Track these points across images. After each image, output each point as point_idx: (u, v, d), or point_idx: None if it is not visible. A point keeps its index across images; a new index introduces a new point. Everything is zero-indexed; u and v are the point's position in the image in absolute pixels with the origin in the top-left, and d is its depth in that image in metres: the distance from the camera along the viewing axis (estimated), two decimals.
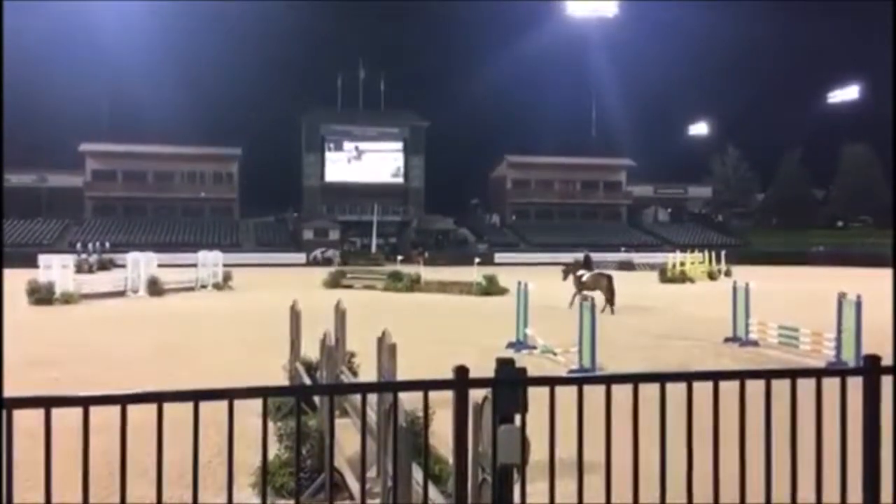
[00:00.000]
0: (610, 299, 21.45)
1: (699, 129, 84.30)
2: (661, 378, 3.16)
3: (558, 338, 13.78)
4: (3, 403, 2.55)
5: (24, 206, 64.29)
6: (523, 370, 3.04)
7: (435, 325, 18.30)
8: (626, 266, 50.56)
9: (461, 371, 2.94)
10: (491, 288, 27.79)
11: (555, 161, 75.40)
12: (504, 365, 3.04)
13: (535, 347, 13.65)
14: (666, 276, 37.42)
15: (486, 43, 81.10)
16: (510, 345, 14.06)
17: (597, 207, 77.99)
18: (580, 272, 23.92)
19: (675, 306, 23.72)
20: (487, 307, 23.16)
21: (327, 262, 56.07)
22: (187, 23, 68.47)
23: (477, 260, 32.00)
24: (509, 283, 24.69)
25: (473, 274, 28.76)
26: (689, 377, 3.18)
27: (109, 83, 67.93)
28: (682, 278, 37.02)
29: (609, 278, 22.30)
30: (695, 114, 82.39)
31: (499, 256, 60.73)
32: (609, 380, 3.20)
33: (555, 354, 12.93)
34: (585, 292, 21.31)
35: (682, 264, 39.24)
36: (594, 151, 77.05)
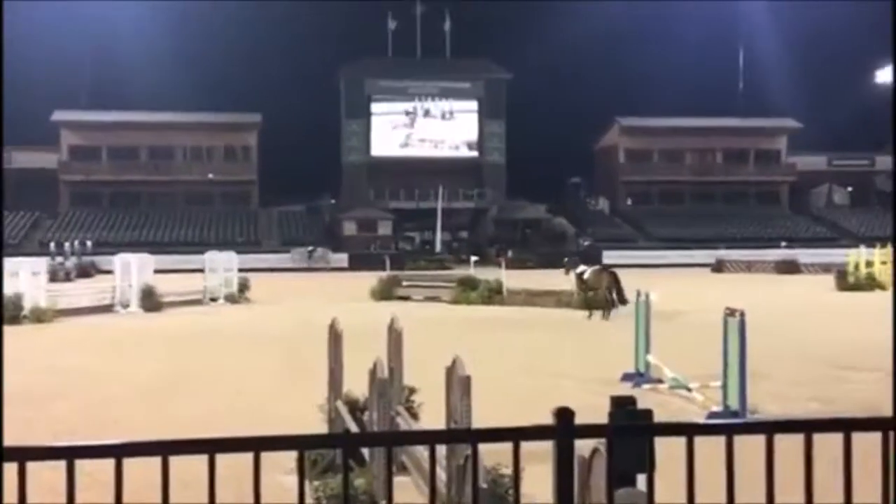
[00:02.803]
0: (613, 300, 23.36)
1: (889, 75, 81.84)
2: (847, 426, 3.09)
3: (692, 367, 13.58)
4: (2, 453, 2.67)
5: None
6: (648, 413, 3.01)
7: (522, 350, 18.26)
8: (789, 268, 49.51)
9: (564, 414, 2.93)
10: (599, 300, 27.50)
11: (686, 124, 74.44)
12: (622, 406, 3.02)
13: (660, 381, 13.52)
14: (846, 282, 36.70)
15: None
16: (626, 377, 13.97)
17: (746, 186, 76.68)
18: (581, 268, 25.96)
19: (852, 321, 23.09)
20: (593, 326, 22.99)
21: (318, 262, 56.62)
22: None
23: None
24: (625, 291, 24.38)
25: (573, 280, 28.56)
26: (889, 425, 3.10)
27: (90, 35, 69.96)
28: (871, 284, 36.12)
29: (613, 274, 23.94)
30: (883, 55, 79.99)
31: (609, 255, 59.89)
32: (772, 427, 3.14)
33: (689, 390, 12.77)
34: (590, 293, 24.57)
35: (870, 264, 38.24)
36: (741, 110, 75.78)
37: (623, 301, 23.25)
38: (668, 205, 74.84)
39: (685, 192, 76.41)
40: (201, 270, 32.63)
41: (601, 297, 24.82)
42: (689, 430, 3.05)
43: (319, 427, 9.47)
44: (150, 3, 67.71)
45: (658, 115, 74.38)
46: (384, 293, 32.03)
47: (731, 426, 3.19)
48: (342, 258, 60.52)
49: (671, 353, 14.51)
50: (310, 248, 59.47)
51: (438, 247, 65.53)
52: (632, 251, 63.06)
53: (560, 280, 30.97)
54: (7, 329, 22.78)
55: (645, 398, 12.15)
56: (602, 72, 77.93)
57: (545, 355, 17.59)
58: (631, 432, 2.98)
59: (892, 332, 12.96)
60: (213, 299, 30.93)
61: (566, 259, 26.55)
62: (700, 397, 12.35)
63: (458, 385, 6.15)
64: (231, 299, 31.19)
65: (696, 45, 73.53)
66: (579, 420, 3.00)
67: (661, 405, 11.89)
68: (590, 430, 2.97)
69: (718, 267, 53.26)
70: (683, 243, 63.00)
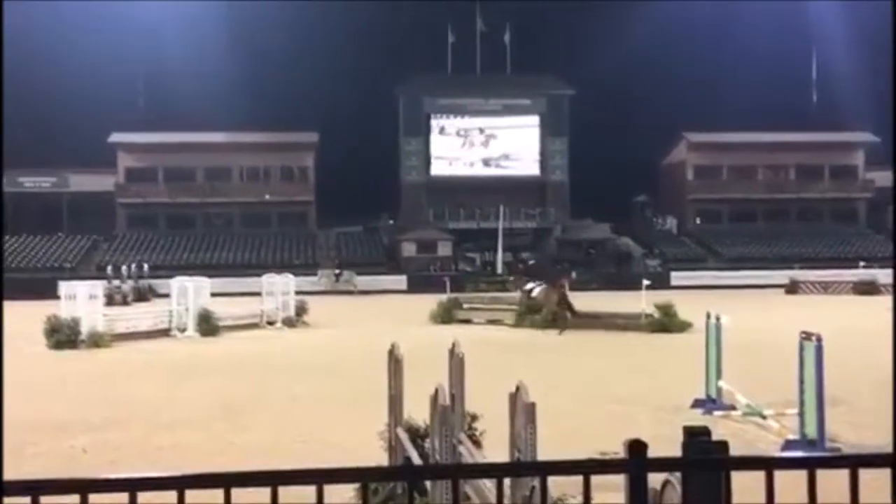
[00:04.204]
0: (563, 314, 24.76)
1: None
2: None
3: (766, 393, 13.42)
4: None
5: (40, 219, 68.35)
6: (724, 445, 2.97)
7: (588, 374, 18.18)
8: (868, 288, 48.60)
9: (637, 447, 2.90)
10: (667, 322, 27.33)
11: (757, 139, 73.57)
12: (695, 437, 2.98)
13: (733, 407, 13.38)
14: None
15: None
16: (697, 403, 13.85)
17: (821, 204, 75.43)
18: (529, 285, 27.42)
19: None
20: (662, 349, 22.80)
21: (345, 286, 56.66)
22: None
23: (646, 282, 31.43)
24: (693, 314, 24.14)
25: (641, 302, 28.36)
26: None
27: (146, 57, 71.41)
28: None
29: (562, 292, 25.06)
30: None
31: (677, 276, 59.66)
32: (856, 462, 3.07)
33: (763, 418, 12.62)
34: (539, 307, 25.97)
35: None
36: (816, 124, 74.62)
37: (573, 313, 25.65)
38: (738, 223, 73.89)
39: (757, 209, 75.40)
40: (258, 294, 32.97)
41: (550, 312, 26.52)
42: (767, 464, 3.00)
43: (379, 454, 9.49)
44: (207, 24, 68.88)
45: (727, 130, 73.57)
46: (444, 316, 32.03)
47: (812, 460, 3.12)
48: (401, 280, 60.71)
49: (744, 379, 14.35)
50: (336, 271, 59.68)
51: (500, 268, 65.36)
52: (701, 272, 62.39)
53: (626, 302, 30.76)
54: (64, 353, 23.32)
55: (718, 426, 12.01)
56: (668, 86, 77.37)
57: (612, 380, 17.48)
58: (706, 466, 2.94)
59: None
60: (271, 323, 31.19)
61: (512, 278, 27.57)
62: (776, 425, 12.18)
63: (522, 412, 6.13)
64: (288, 323, 31.41)
65: (767, 56, 72.73)
66: (650, 449, 2.97)
67: (735, 433, 11.74)
68: (663, 464, 2.94)
69: (792, 288, 52.39)
70: (755, 263, 62.21)
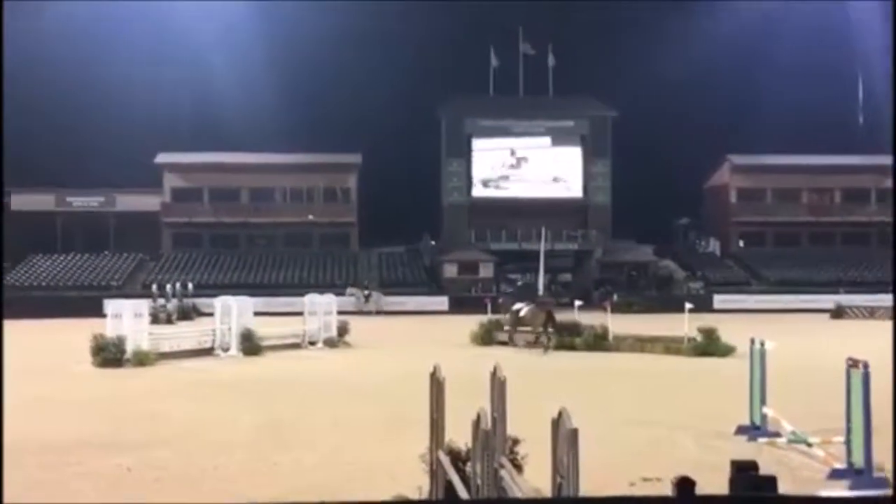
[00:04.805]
0: (549, 336, 26.08)
1: None
2: None
3: (812, 420, 13.26)
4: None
5: (88, 238, 69.43)
6: (772, 481, 2.93)
7: (631, 399, 18.07)
8: None
9: (685, 485, 2.86)
10: (710, 346, 27.11)
11: (802, 161, 72.98)
12: (743, 472, 2.94)
13: (778, 434, 13.20)
14: None
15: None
16: (741, 430, 13.70)
17: (867, 227, 74.45)
18: (517, 306, 28.39)
19: None
20: (705, 374, 22.59)
21: (372, 306, 56.61)
22: (287, 7, 71.88)
23: (688, 305, 31.19)
24: (737, 338, 24.01)
25: (684, 325, 28.16)
26: None
27: (194, 78, 72.45)
28: None
29: (549, 312, 26.26)
30: None
31: (720, 300, 59.28)
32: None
33: (809, 445, 12.44)
34: (522, 328, 27.64)
35: None
36: (862, 146, 73.84)
37: (560, 334, 27.59)
38: (782, 247, 73.19)
39: (801, 233, 74.65)
40: (300, 313, 33.13)
41: (536, 333, 27.87)
42: None
43: (421, 477, 9.49)
44: (253, 46, 69.75)
45: (771, 153, 73.11)
46: (485, 338, 32.00)
47: (869, 501, 3.07)
48: (442, 301, 60.78)
49: (789, 405, 14.18)
50: (365, 291, 59.77)
51: (541, 289, 65.14)
52: (744, 295, 62.00)
53: (669, 325, 30.54)
54: (109, 372, 23.57)
55: (762, 453, 11.89)
56: (712, 107, 76.96)
57: (655, 405, 17.34)
58: None
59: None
60: (312, 343, 31.31)
61: (500, 299, 29.11)
62: (821, 453, 12.00)
63: (564, 438, 6.08)
64: (330, 343, 31.49)
65: (812, 77, 72.13)
66: (693, 474, 2.93)
67: (780, 461, 11.61)
68: (711, 503, 2.90)
69: (838, 313, 51.69)
70: (800, 287, 61.53)
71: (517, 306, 28.26)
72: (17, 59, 64.37)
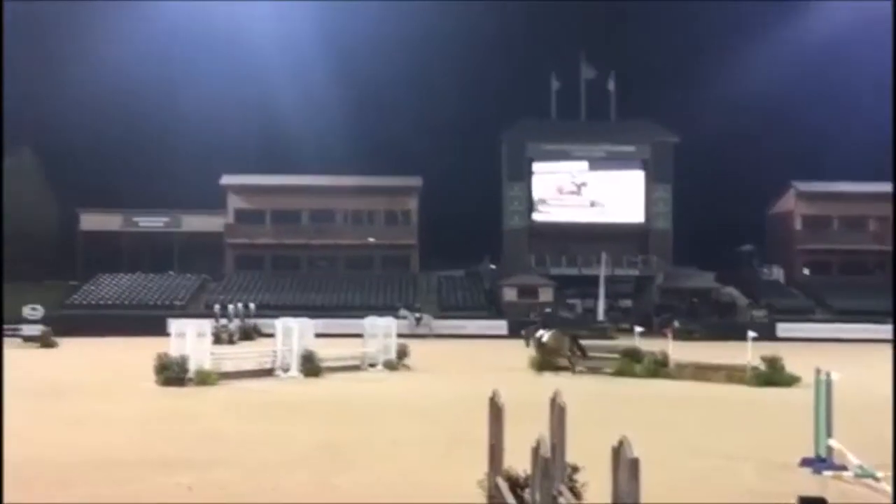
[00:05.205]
0: (574, 359, 27.23)
1: None
2: None
3: (879, 453, 13.00)
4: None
5: (153, 257, 70.60)
6: None
7: (692, 427, 17.87)
8: None
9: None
10: (774, 376, 26.64)
11: (868, 189, 71.71)
12: None
13: (844, 468, 12.93)
14: None
15: (755, 23, 79.27)
16: (806, 462, 13.41)
17: None
18: (540, 332, 29.67)
19: None
20: (769, 404, 22.23)
21: (423, 329, 56.54)
22: (349, 28, 72.94)
23: (752, 334, 30.71)
24: (802, 368, 23.59)
25: (747, 354, 27.75)
26: None
27: (259, 102, 73.64)
28: None
29: (573, 337, 27.41)
30: None
31: (783, 328, 58.34)
32: None
33: (877, 480, 12.18)
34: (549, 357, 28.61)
35: None
36: None
37: (585, 356, 28.93)
38: (849, 275, 71.84)
39: (868, 261, 73.28)
40: (359, 335, 33.25)
41: (563, 357, 29.02)
42: None
43: (479, 500, 9.46)
44: (315, 70, 70.74)
45: (838, 179, 72.04)
46: (545, 363, 31.85)
47: None
48: (501, 325, 60.65)
49: (856, 438, 13.88)
50: (417, 315, 59.76)
51: (601, 315, 64.77)
52: (809, 324, 60.94)
53: (731, 353, 30.16)
54: (172, 390, 23.87)
55: (828, 487, 11.68)
56: (776, 133, 76.25)
57: (717, 434, 17.11)
58: None
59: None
60: (372, 365, 31.35)
61: (523, 331, 30.47)
62: (888, 488, 11.75)
63: (625, 467, 6.04)
64: (390, 366, 31.52)
65: (878, 103, 71.00)
66: None
67: (846, 495, 11.41)
68: None
69: None
70: (866, 317, 60.27)
71: (539, 333, 29.48)
72: (91, 85, 66.26)
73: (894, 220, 68.10)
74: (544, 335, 28.91)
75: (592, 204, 74.21)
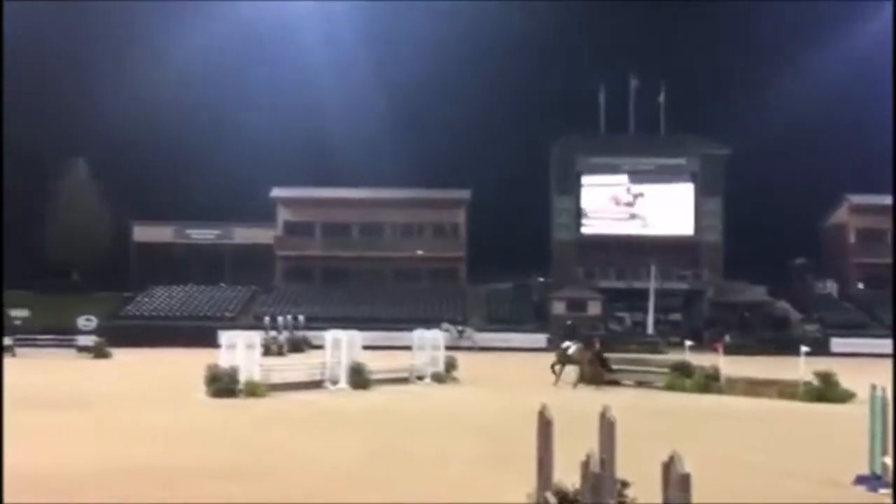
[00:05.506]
0: (597, 372, 28.23)
1: None
2: None
3: None
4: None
5: (204, 269, 71.36)
6: None
7: (743, 443, 17.63)
8: None
9: None
10: (827, 391, 26.22)
11: None
12: None
13: None
14: None
15: (807, 33, 78.37)
16: (861, 480, 13.18)
17: None
18: (566, 344, 30.18)
19: None
20: (822, 420, 21.91)
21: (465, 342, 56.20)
22: (399, 43, 73.30)
23: (804, 349, 30.30)
24: (856, 384, 23.20)
25: (799, 369, 27.36)
26: None
27: (308, 115, 74.23)
28: None
29: (595, 350, 28.30)
30: None
31: (837, 343, 57.53)
32: None
33: None
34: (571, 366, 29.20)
35: None
36: None
37: (609, 370, 29.52)
38: None
39: None
40: (408, 348, 33.30)
41: (583, 369, 29.42)
42: None
43: None
44: (365, 83, 71.22)
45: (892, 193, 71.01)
46: (593, 377, 31.69)
47: None
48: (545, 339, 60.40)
49: None
50: (459, 328, 59.65)
51: (650, 329, 64.33)
52: (863, 339, 59.99)
53: (784, 368, 29.77)
54: (222, 402, 24.05)
55: None
56: (829, 145, 75.14)
57: (768, 450, 16.89)
58: None
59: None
60: (420, 378, 31.36)
61: (557, 351, 31.09)
62: None
63: (676, 483, 5.99)
64: (438, 379, 31.54)
65: None
66: None
67: None
68: None
69: None
70: None
71: (565, 344, 30.19)
72: (145, 98, 67.30)
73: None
74: (570, 347, 29.58)
75: (642, 217, 73.90)
